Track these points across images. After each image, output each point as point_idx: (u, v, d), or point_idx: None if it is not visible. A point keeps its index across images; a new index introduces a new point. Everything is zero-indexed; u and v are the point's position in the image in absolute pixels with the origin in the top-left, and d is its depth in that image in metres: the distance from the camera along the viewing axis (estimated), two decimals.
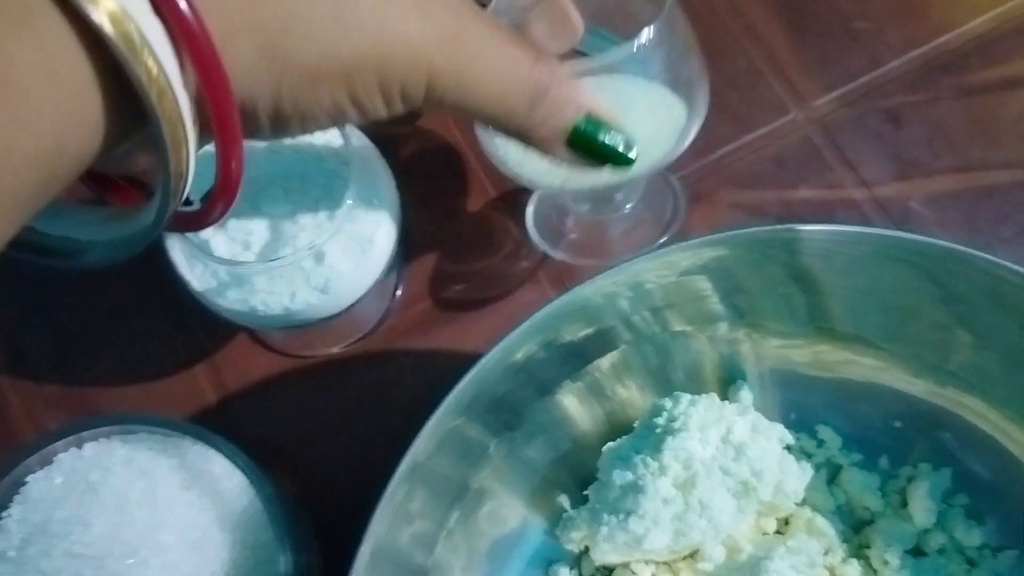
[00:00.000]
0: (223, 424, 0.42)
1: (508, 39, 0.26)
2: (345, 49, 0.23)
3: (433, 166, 0.47)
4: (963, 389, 0.38)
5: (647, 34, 0.33)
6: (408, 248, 0.44)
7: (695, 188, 0.47)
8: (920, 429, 0.40)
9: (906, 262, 0.36)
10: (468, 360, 0.44)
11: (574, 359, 0.38)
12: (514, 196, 0.46)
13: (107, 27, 0.18)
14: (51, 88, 0.19)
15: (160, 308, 0.44)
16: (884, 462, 0.41)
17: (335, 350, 0.44)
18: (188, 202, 0.24)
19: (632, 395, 0.41)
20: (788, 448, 0.39)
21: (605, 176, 0.32)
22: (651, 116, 0.36)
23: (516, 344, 0.34)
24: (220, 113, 0.21)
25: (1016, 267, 0.34)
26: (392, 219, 0.38)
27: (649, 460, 0.37)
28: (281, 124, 0.24)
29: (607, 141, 0.29)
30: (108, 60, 0.19)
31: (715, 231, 0.34)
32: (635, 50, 0.33)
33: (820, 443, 0.41)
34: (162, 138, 0.20)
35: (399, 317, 0.45)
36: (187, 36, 0.20)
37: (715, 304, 0.38)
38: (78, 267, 0.25)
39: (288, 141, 0.37)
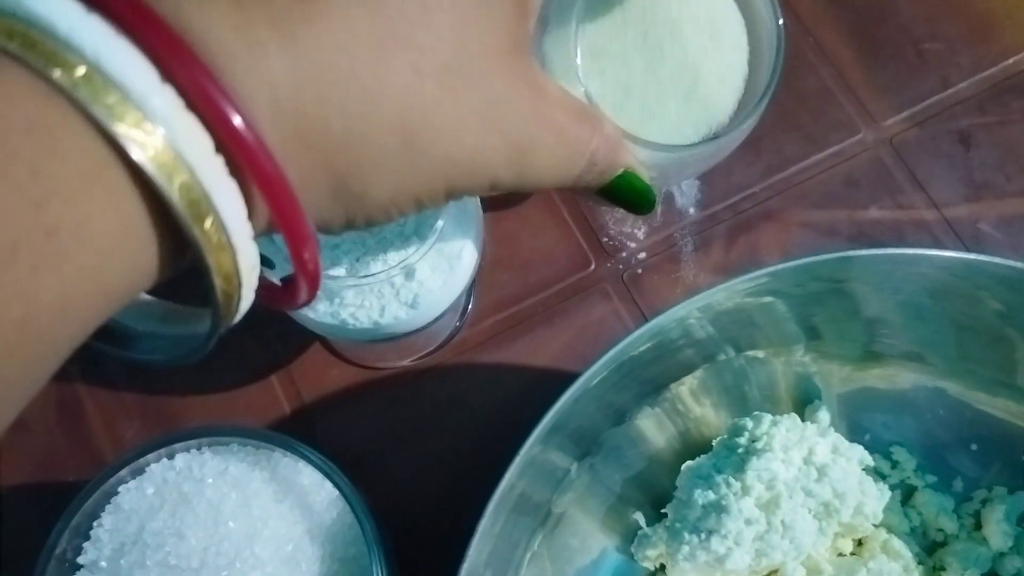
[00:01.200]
0: (298, 434, 0.43)
1: (570, 116, 0.26)
2: (417, 181, 0.23)
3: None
4: None
5: None
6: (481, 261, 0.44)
7: (765, 206, 0.47)
8: (996, 451, 0.40)
9: (977, 283, 0.36)
10: (539, 375, 0.44)
11: (651, 385, 0.38)
12: (583, 210, 0.46)
13: (175, 198, 0.19)
14: (123, 246, 0.19)
15: None
16: (959, 484, 0.41)
17: (407, 362, 0.44)
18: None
19: (707, 413, 0.41)
20: (866, 470, 0.39)
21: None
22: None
23: (596, 375, 0.34)
24: (295, 246, 0.22)
25: None
26: (477, 234, 0.38)
27: (732, 480, 0.37)
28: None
29: (632, 193, 0.30)
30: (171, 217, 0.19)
31: (788, 258, 0.34)
32: None
33: (895, 464, 0.41)
34: (213, 289, 0.21)
35: (469, 331, 0.45)
36: (268, 190, 0.20)
37: (789, 328, 0.38)
38: (135, 359, 0.26)
39: None
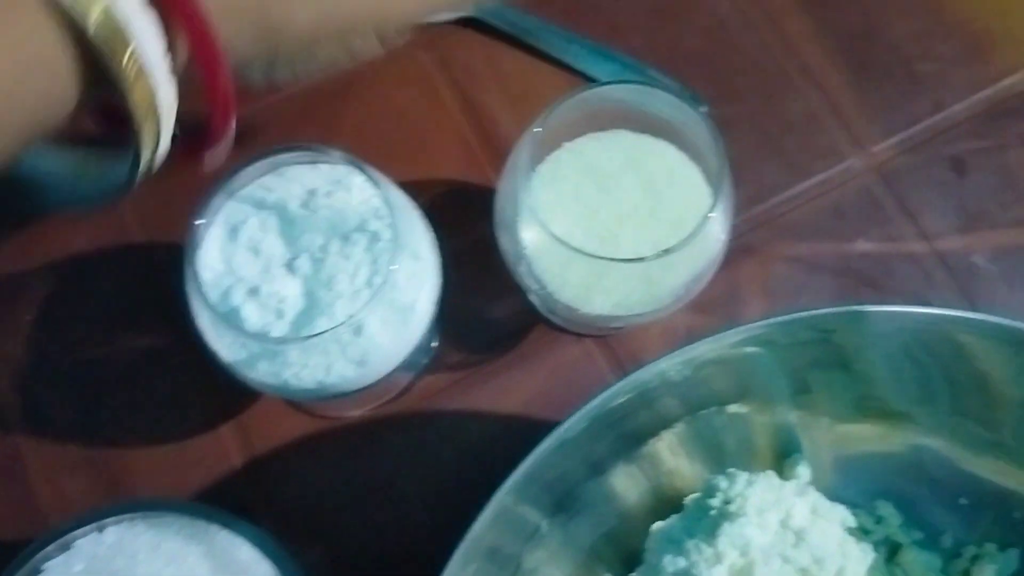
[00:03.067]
0: (251, 489, 0.41)
1: None
2: (341, 9, 0.24)
3: (466, 215, 0.44)
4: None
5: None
6: (443, 304, 0.42)
7: (746, 239, 0.44)
8: (986, 506, 0.38)
9: (963, 339, 0.34)
10: (507, 423, 0.42)
11: (629, 438, 0.36)
12: None
13: (92, 30, 0.20)
14: (36, 74, 0.21)
15: (186, 364, 0.42)
16: (947, 540, 0.39)
17: (366, 412, 0.42)
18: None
19: (680, 464, 0.39)
20: (848, 530, 0.37)
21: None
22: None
23: (574, 426, 0.32)
24: (212, 85, 0.23)
25: None
26: (433, 282, 0.36)
27: (703, 546, 0.34)
28: (274, 81, 0.26)
29: None
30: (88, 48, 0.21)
31: (771, 314, 0.32)
32: None
33: (879, 520, 0.39)
34: (133, 121, 0.22)
35: (433, 376, 0.43)
36: (181, 10, 0.21)
37: (776, 381, 0.36)
38: (60, 205, 0.30)
39: (324, 201, 0.35)
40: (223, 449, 0.41)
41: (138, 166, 0.24)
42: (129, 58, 0.21)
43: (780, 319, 0.33)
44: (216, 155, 0.25)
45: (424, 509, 0.41)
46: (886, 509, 0.39)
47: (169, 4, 0.21)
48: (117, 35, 0.20)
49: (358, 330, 0.33)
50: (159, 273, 0.44)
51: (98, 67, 0.21)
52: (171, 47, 0.22)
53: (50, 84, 0.21)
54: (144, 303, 0.43)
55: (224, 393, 0.41)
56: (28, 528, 0.39)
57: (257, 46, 0.24)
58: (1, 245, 0.44)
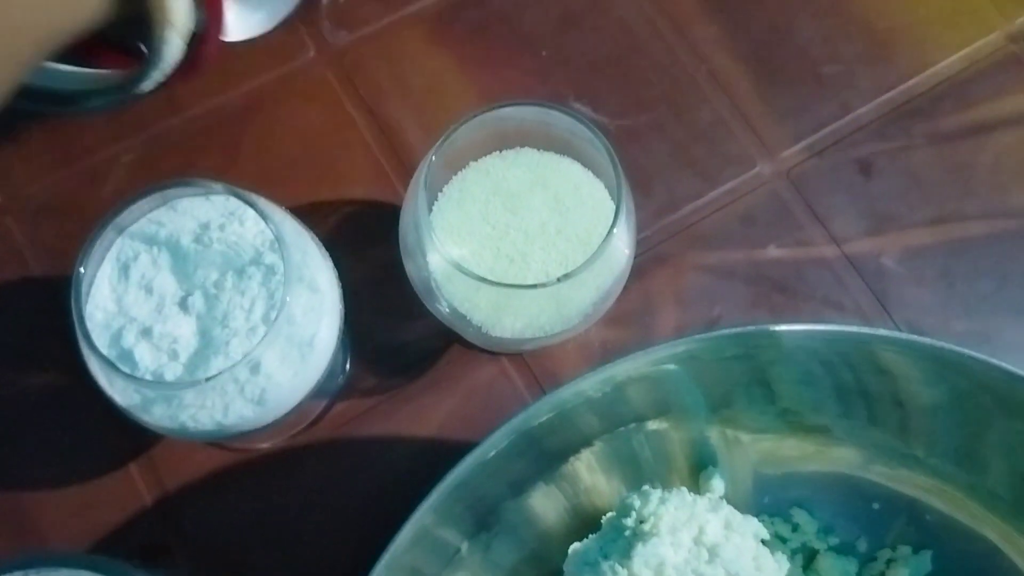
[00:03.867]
0: (164, 527, 0.40)
1: None
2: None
3: (376, 235, 0.44)
4: (933, 476, 0.37)
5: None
6: (352, 330, 0.41)
7: (658, 250, 0.44)
8: (899, 510, 0.39)
9: (869, 354, 0.34)
10: (424, 446, 0.42)
11: (548, 457, 0.36)
12: None
13: None
14: None
15: (90, 400, 0.40)
16: (862, 544, 0.39)
17: (280, 441, 0.41)
18: None
19: (598, 481, 0.39)
20: (762, 542, 0.37)
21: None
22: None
23: (493, 445, 0.32)
24: None
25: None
26: (334, 311, 0.35)
27: (618, 567, 0.34)
28: None
29: None
30: None
31: (686, 334, 0.32)
32: None
33: (795, 527, 0.39)
34: (153, 22, 0.26)
35: (347, 403, 0.42)
36: None
37: (689, 399, 0.36)
38: (81, 110, 0.31)
39: (218, 235, 0.34)
40: (133, 488, 0.40)
41: (152, 69, 0.26)
42: None
43: (697, 337, 0.33)
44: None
45: (343, 538, 0.40)
46: (801, 517, 0.39)
47: None
48: None
49: (255, 368, 0.32)
50: (58, 307, 0.42)
51: None
52: None
53: None
54: (44, 339, 0.42)
55: (131, 430, 0.40)
56: None
57: None
58: None
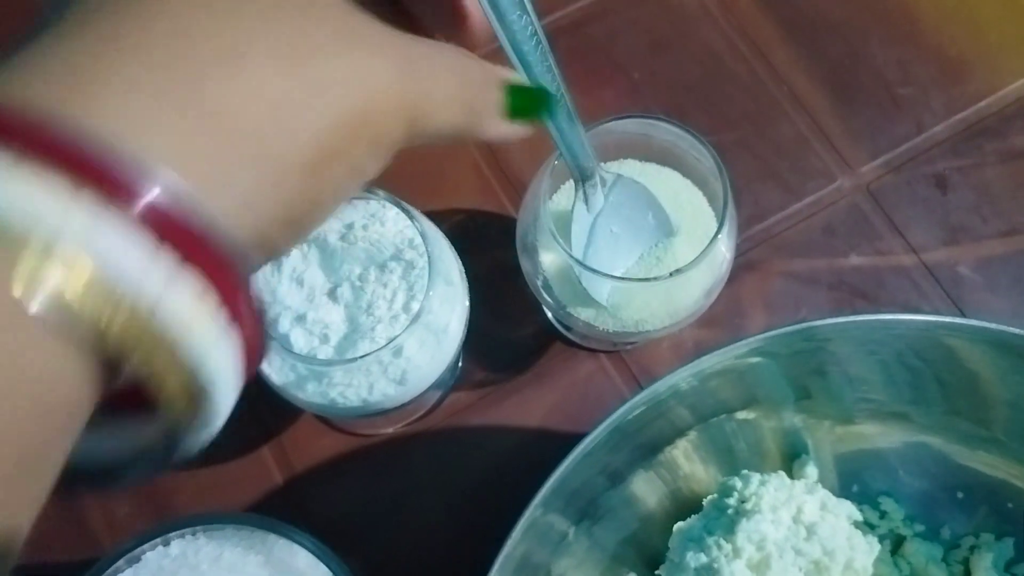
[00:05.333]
0: (291, 504, 0.43)
1: (437, 46, 0.25)
2: (329, 117, 0.21)
3: (485, 241, 0.47)
4: (1013, 461, 0.39)
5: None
6: (468, 325, 0.45)
7: (746, 257, 0.47)
8: (982, 499, 0.41)
9: (952, 342, 0.37)
10: (528, 436, 0.45)
11: (646, 448, 0.39)
12: None
13: (115, 339, 0.17)
14: (50, 395, 0.17)
15: None
16: (946, 532, 0.42)
17: (397, 428, 0.44)
18: None
19: (696, 469, 0.42)
20: (855, 523, 0.39)
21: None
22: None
23: (594, 440, 0.35)
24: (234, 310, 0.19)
25: None
26: (463, 305, 0.39)
27: (723, 542, 0.37)
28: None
29: (531, 100, 0.28)
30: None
31: (771, 328, 0.35)
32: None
33: (883, 515, 0.42)
34: (168, 409, 0.18)
35: (458, 394, 0.45)
36: (199, 264, 0.18)
37: (779, 388, 0.39)
38: (120, 486, 0.21)
39: (361, 234, 0.38)
40: (265, 468, 0.43)
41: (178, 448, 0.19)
42: (165, 353, 0.17)
43: (779, 331, 0.36)
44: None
45: (452, 518, 0.43)
46: (889, 505, 0.42)
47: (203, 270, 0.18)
48: (148, 334, 0.17)
49: (398, 352, 0.36)
50: None
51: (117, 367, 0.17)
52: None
53: (52, 400, 0.17)
54: None
55: (266, 417, 0.44)
56: (80, 548, 0.42)
57: (289, 234, 0.21)
58: None
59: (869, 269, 0.47)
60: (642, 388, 0.35)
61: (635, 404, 0.35)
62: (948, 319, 0.36)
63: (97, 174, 0.17)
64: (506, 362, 0.46)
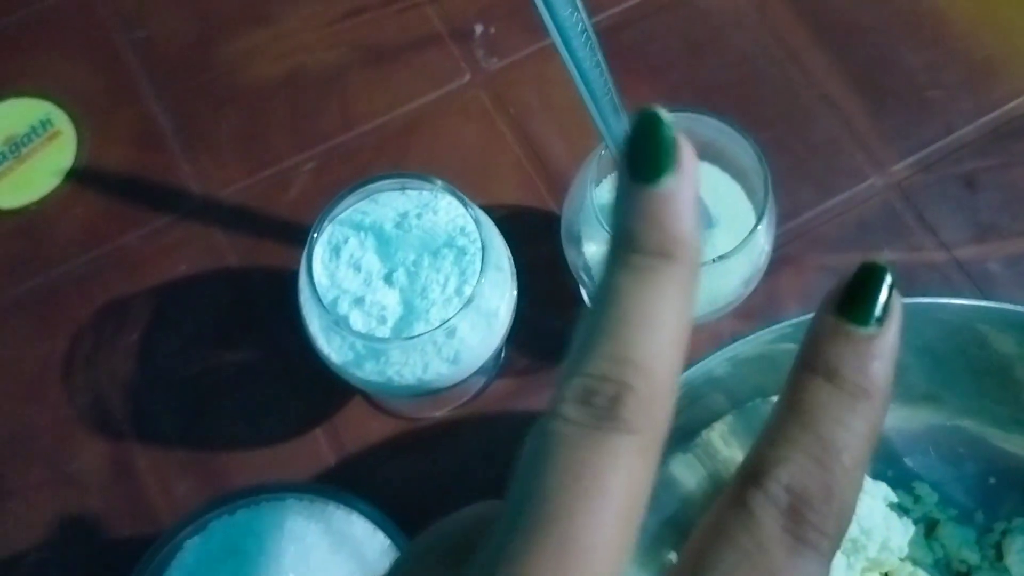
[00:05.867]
0: (342, 483, 0.44)
1: None
2: None
3: (528, 235, 0.49)
4: None
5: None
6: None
7: (782, 251, 0.49)
8: (1014, 484, 0.42)
9: (988, 327, 0.38)
10: None
11: (682, 431, 0.40)
12: None
13: None
14: None
15: (279, 375, 0.46)
16: (979, 516, 0.43)
17: (444, 413, 0.46)
18: None
19: (735, 454, 0.43)
20: (890, 505, 0.41)
21: None
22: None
23: None
24: None
25: None
26: (511, 290, 0.40)
27: None
28: None
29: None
30: None
31: (807, 310, 0.36)
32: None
33: (917, 499, 0.43)
34: None
35: (502, 381, 0.47)
36: None
37: None
38: None
39: (415, 222, 0.39)
40: (318, 449, 0.45)
41: None
42: None
43: (811, 316, 0.37)
44: None
45: (499, 496, 0.44)
46: (923, 489, 0.43)
47: None
48: None
49: (451, 333, 0.37)
50: (251, 296, 0.48)
51: None
52: None
53: None
54: (238, 323, 0.48)
55: (318, 401, 0.46)
56: (141, 525, 0.44)
57: None
58: (110, 273, 0.48)
59: (902, 264, 0.49)
60: None
61: None
62: (982, 303, 0.37)
63: None
64: (548, 351, 0.48)
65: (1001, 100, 0.52)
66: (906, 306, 0.37)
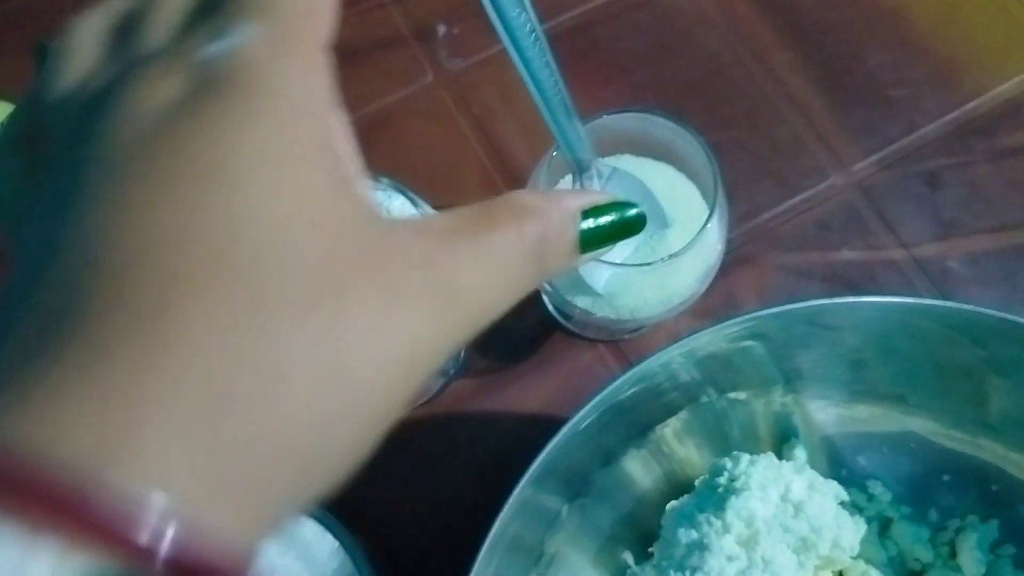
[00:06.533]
0: None
1: (483, 229, 0.22)
2: (376, 406, 0.20)
3: None
4: (1005, 444, 0.40)
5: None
6: None
7: (741, 251, 0.49)
8: (967, 482, 0.42)
9: (948, 327, 0.38)
10: (529, 421, 0.46)
11: (637, 427, 0.40)
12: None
13: None
14: None
15: None
16: (933, 514, 0.43)
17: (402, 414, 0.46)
18: None
19: (690, 454, 0.43)
20: (842, 504, 0.41)
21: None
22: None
23: (584, 418, 0.36)
24: None
25: None
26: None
27: (713, 519, 0.38)
28: None
29: (612, 221, 0.26)
30: None
31: (765, 306, 0.36)
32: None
33: (871, 497, 0.43)
34: None
35: (462, 382, 0.47)
36: None
37: (769, 371, 0.40)
38: None
39: None
40: None
41: None
42: None
43: (772, 310, 0.37)
44: None
45: (456, 497, 0.45)
46: (876, 488, 0.43)
47: None
48: None
49: None
50: None
51: None
52: None
53: None
54: None
55: None
56: None
57: (302, 499, 0.20)
58: None
59: (861, 263, 0.49)
60: (633, 366, 0.36)
61: (624, 382, 0.36)
62: (951, 304, 0.37)
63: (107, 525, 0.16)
64: (507, 351, 0.48)
65: (964, 98, 0.52)
66: (873, 305, 0.38)
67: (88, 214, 0.18)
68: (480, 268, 0.22)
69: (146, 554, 0.16)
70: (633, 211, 0.27)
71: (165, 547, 0.16)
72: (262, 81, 0.19)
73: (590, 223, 0.25)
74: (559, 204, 0.24)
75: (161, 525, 0.16)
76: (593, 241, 0.25)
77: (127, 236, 0.18)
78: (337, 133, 0.21)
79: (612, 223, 0.26)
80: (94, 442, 0.16)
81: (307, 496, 0.19)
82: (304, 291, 0.18)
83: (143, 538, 0.16)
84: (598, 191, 0.29)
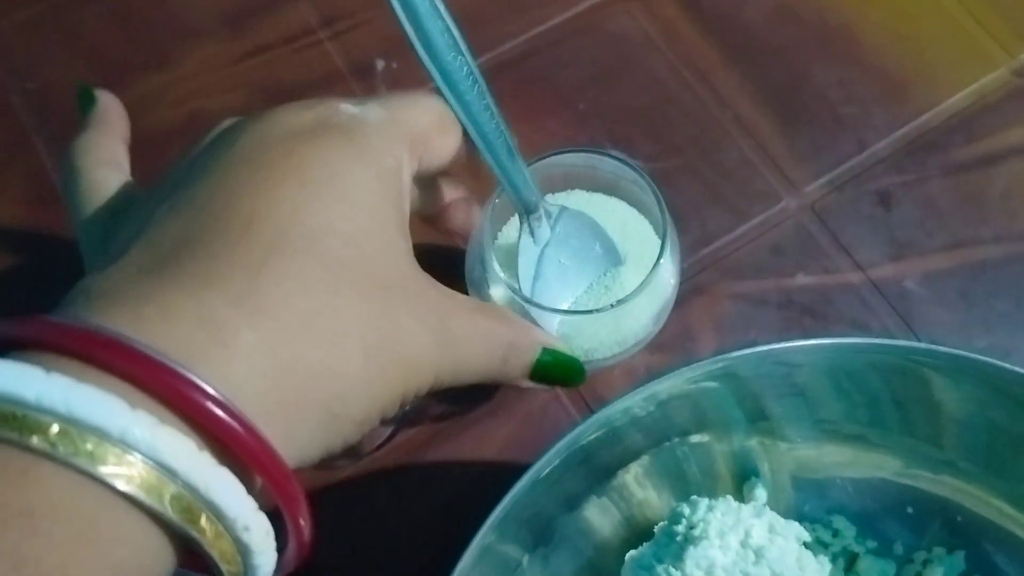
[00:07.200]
0: None
1: (478, 313, 0.31)
2: (384, 390, 0.26)
3: (438, 275, 0.48)
4: (963, 479, 0.40)
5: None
6: None
7: (695, 281, 0.48)
8: (931, 513, 0.41)
9: (913, 363, 0.37)
10: (486, 469, 0.45)
11: (600, 471, 0.39)
12: None
13: (168, 512, 0.21)
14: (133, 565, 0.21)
15: None
16: (899, 548, 0.42)
17: (349, 467, 0.45)
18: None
19: (650, 496, 0.42)
20: (805, 544, 0.40)
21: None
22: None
23: (546, 465, 0.35)
24: (291, 511, 0.24)
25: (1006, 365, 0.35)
26: None
27: (672, 569, 0.37)
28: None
29: (560, 363, 0.35)
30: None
31: (722, 351, 0.35)
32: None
33: (835, 532, 0.42)
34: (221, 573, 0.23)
35: (418, 429, 0.46)
36: (259, 466, 0.22)
37: (728, 413, 0.39)
38: None
39: None
40: None
41: None
42: (207, 522, 0.21)
43: (733, 355, 0.36)
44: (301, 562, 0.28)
45: (414, 554, 0.43)
46: (841, 523, 0.42)
47: (240, 455, 0.22)
48: (192, 507, 0.21)
49: None
50: None
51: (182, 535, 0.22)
52: (253, 484, 0.23)
53: (148, 565, 0.21)
54: None
55: None
56: None
57: (321, 438, 0.25)
58: None
59: (817, 288, 0.48)
60: (593, 413, 0.35)
61: (585, 428, 0.35)
62: (920, 344, 0.36)
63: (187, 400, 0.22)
64: (462, 395, 0.46)
65: (914, 113, 0.52)
66: (845, 346, 0.37)
67: (225, 181, 0.25)
68: (468, 334, 0.30)
69: (225, 433, 0.21)
70: (578, 367, 0.36)
71: (238, 428, 0.22)
72: (371, 139, 0.28)
73: (546, 357, 0.34)
74: (532, 332, 0.34)
75: (237, 413, 0.22)
76: (543, 372, 0.34)
77: (252, 205, 0.25)
78: (406, 198, 0.30)
79: (559, 364, 0.34)
80: (203, 339, 0.22)
81: (310, 448, 0.25)
82: (367, 285, 0.26)
83: (224, 420, 0.21)
84: (559, 339, 0.36)
